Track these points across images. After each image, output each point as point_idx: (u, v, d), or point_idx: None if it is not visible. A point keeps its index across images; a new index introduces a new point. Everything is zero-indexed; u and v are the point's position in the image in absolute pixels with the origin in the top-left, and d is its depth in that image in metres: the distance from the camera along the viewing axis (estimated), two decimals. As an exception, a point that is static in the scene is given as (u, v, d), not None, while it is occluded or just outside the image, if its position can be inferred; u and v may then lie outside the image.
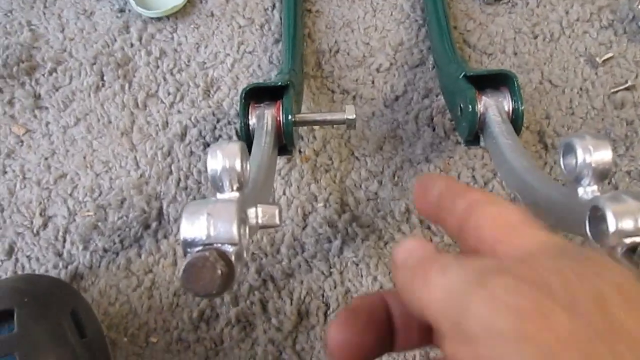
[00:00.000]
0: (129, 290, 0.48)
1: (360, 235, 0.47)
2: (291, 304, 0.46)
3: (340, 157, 0.51)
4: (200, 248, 0.23)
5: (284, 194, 0.50)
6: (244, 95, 0.42)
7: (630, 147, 0.49)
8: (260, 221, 0.31)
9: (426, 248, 0.21)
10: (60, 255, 0.50)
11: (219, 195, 0.27)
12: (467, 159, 0.49)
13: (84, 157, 0.53)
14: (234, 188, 0.27)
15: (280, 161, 0.50)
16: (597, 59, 0.53)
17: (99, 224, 0.50)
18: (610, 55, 0.53)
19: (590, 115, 0.51)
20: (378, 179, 0.50)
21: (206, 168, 0.27)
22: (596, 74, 0.53)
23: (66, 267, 0.49)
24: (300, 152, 0.51)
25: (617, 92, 0.52)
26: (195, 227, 0.23)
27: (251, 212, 0.31)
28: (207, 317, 0.47)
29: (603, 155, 0.26)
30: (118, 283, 0.48)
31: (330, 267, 0.47)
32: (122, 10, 0.60)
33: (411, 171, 0.50)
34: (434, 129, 0.51)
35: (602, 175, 0.26)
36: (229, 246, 0.23)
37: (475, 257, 0.19)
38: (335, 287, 0.46)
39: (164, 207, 0.50)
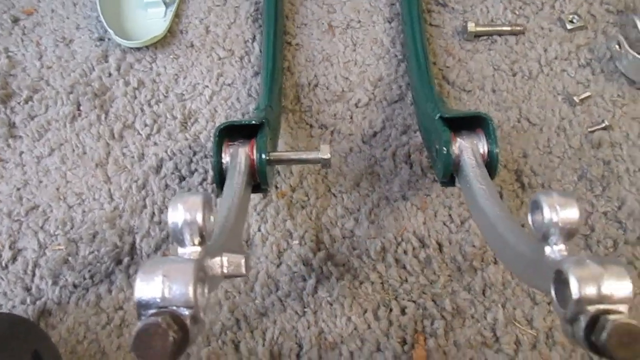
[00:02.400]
0: (98, 328, 0.47)
1: (335, 274, 0.47)
2: (263, 344, 0.45)
3: (317, 194, 0.50)
4: (154, 311, 0.22)
5: (259, 230, 0.49)
6: (217, 133, 0.42)
7: (607, 188, 0.49)
8: (225, 271, 0.31)
9: None
10: (28, 290, 0.48)
11: (180, 250, 0.27)
12: (444, 197, 0.49)
13: (57, 189, 0.52)
14: (196, 242, 0.26)
15: (256, 197, 0.50)
16: (575, 97, 0.53)
17: (70, 258, 0.49)
18: (587, 94, 0.54)
19: (568, 155, 0.51)
20: (354, 216, 0.49)
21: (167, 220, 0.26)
22: (574, 112, 0.53)
23: (34, 303, 0.48)
24: (276, 187, 0.50)
25: (594, 131, 0.52)
26: (150, 288, 0.22)
27: (216, 261, 0.30)
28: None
29: (570, 213, 0.26)
30: (87, 320, 0.47)
31: (304, 307, 0.46)
32: (101, 39, 0.59)
33: (388, 209, 0.49)
34: (411, 166, 0.50)
35: (569, 234, 0.26)
36: (185, 309, 0.22)
37: None
38: (308, 328, 0.46)
39: (137, 241, 0.49)
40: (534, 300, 0.45)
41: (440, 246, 0.48)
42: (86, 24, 0.60)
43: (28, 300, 0.48)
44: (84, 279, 0.48)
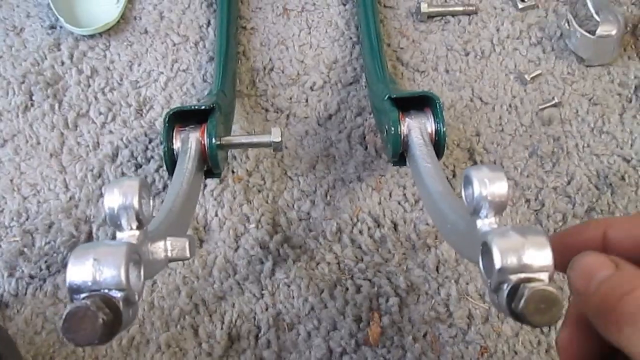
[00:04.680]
0: (56, 318, 0.47)
1: (292, 257, 0.47)
2: (222, 328, 0.46)
3: (273, 177, 0.50)
4: (86, 294, 0.22)
5: (216, 215, 0.49)
6: (167, 118, 0.42)
7: (557, 164, 0.51)
8: (169, 254, 0.31)
9: (609, 267, 0.23)
10: (-16, 282, 0.48)
11: (118, 234, 0.27)
12: (398, 177, 0.50)
13: (11, 180, 0.52)
14: (133, 226, 0.26)
15: (213, 182, 0.50)
16: (526, 76, 0.54)
17: (25, 249, 0.48)
18: (538, 72, 0.55)
19: (519, 132, 0.52)
20: (310, 198, 0.50)
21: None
22: (525, 90, 0.54)
23: (-10, 296, 0.47)
24: (233, 172, 0.51)
25: (544, 108, 0.53)
26: (81, 272, 0.23)
27: (159, 245, 0.30)
28: (137, 344, 0.46)
29: (499, 187, 0.26)
30: (45, 311, 0.47)
31: (262, 289, 0.47)
32: (52, 27, 0.58)
33: (343, 190, 0.50)
34: (366, 148, 0.51)
35: (499, 207, 0.26)
36: (117, 291, 0.23)
37: None
38: (266, 310, 0.46)
39: (94, 230, 0.49)
40: (485, 275, 0.46)
41: (395, 225, 0.48)
42: (37, 12, 0.59)
43: (-16, 293, 0.48)
44: (41, 269, 0.48)
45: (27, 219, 0.50)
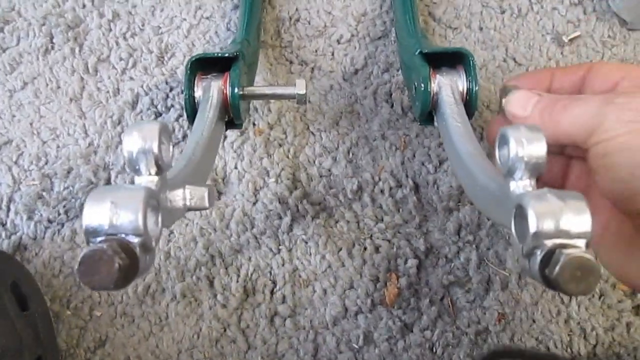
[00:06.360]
0: (74, 263, 0.47)
1: (311, 213, 0.46)
2: (237, 280, 0.45)
3: (295, 132, 0.49)
4: (102, 238, 0.22)
5: (236, 167, 0.48)
6: (189, 65, 0.41)
7: (590, 130, 0.48)
8: (188, 203, 0.30)
9: (535, 96, 0.32)
10: (3, 225, 0.48)
11: (136, 179, 0.26)
12: (423, 137, 0.48)
13: (31, 124, 0.51)
14: (152, 172, 0.25)
15: (233, 134, 0.49)
16: (564, 37, 0.52)
17: (44, 193, 0.48)
18: (577, 34, 0.52)
19: (552, 96, 0.50)
20: (332, 155, 0.48)
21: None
22: (562, 53, 0.52)
23: (9, 237, 0.48)
24: (254, 124, 0.49)
25: (581, 72, 0.51)
26: (97, 215, 0.22)
27: (177, 193, 0.30)
28: (153, 292, 0.46)
29: (537, 148, 0.25)
30: (62, 255, 0.47)
31: (279, 245, 0.46)
32: (74, -32, 0.57)
33: (366, 148, 0.48)
34: (392, 105, 0.49)
35: (536, 169, 0.25)
36: (134, 237, 0.22)
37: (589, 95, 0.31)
38: (283, 265, 0.46)
39: (112, 178, 0.49)
40: (508, 242, 0.45)
41: (417, 186, 0.47)
42: (58, -49, 0.57)
43: (3, 235, 0.48)
44: (59, 214, 0.48)
45: (46, 163, 0.50)
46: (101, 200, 0.22)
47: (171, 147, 0.27)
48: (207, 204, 0.30)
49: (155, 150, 0.25)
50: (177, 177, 0.30)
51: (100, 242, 0.21)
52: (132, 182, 0.26)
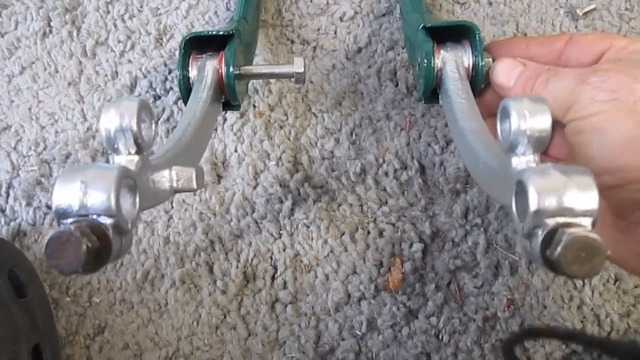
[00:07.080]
0: (73, 249, 0.46)
1: (312, 196, 0.45)
2: (237, 266, 0.44)
3: (296, 113, 0.48)
4: (73, 219, 0.21)
5: (236, 150, 0.47)
6: (183, 45, 0.39)
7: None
8: (175, 185, 0.29)
9: (520, 65, 0.33)
10: (2, 211, 0.48)
11: (115, 159, 0.25)
12: (429, 117, 0.46)
13: (29, 109, 0.50)
14: (131, 151, 0.24)
15: (232, 116, 0.48)
16: (578, 10, 0.49)
17: (43, 179, 0.48)
18: (592, 7, 0.49)
19: (566, 72, 0.47)
20: (335, 136, 0.47)
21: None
22: (576, 27, 0.49)
23: (8, 224, 0.47)
24: (254, 106, 0.48)
25: (596, 47, 0.48)
26: (67, 195, 0.21)
27: (163, 174, 0.28)
28: (152, 278, 0.45)
29: (540, 121, 0.23)
30: (61, 241, 0.46)
31: (280, 229, 0.45)
32: (72, -51, 0.55)
33: (370, 129, 0.47)
34: (396, 84, 0.47)
35: (539, 144, 0.23)
36: (106, 218, 0.21)
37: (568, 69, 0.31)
38: (284, 250, 0.44)
39: (111, 162, 0.48)
40: (518, 225, 0.43)
41: (422, 168, 0.45)
42: None
43: (2, 221, 0.47)
44: (57, 199, 0.47)
45: (44, 149, 0.49)
46: (71, 179, 0.21)
47: (154, 125, 0.26)
48: (194, 186, 0.29)
49: (134, 128, 0.24)
50: (164, 157, 0.29)
51: (70, 223, 0.20)
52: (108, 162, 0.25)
